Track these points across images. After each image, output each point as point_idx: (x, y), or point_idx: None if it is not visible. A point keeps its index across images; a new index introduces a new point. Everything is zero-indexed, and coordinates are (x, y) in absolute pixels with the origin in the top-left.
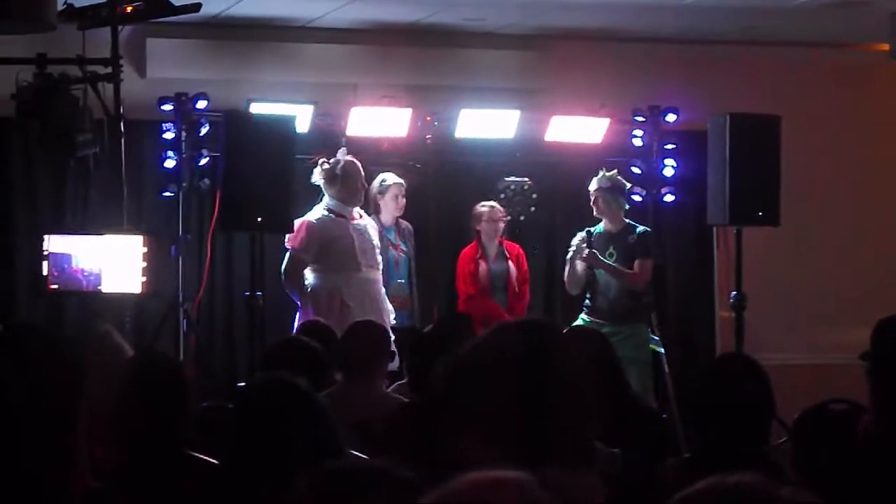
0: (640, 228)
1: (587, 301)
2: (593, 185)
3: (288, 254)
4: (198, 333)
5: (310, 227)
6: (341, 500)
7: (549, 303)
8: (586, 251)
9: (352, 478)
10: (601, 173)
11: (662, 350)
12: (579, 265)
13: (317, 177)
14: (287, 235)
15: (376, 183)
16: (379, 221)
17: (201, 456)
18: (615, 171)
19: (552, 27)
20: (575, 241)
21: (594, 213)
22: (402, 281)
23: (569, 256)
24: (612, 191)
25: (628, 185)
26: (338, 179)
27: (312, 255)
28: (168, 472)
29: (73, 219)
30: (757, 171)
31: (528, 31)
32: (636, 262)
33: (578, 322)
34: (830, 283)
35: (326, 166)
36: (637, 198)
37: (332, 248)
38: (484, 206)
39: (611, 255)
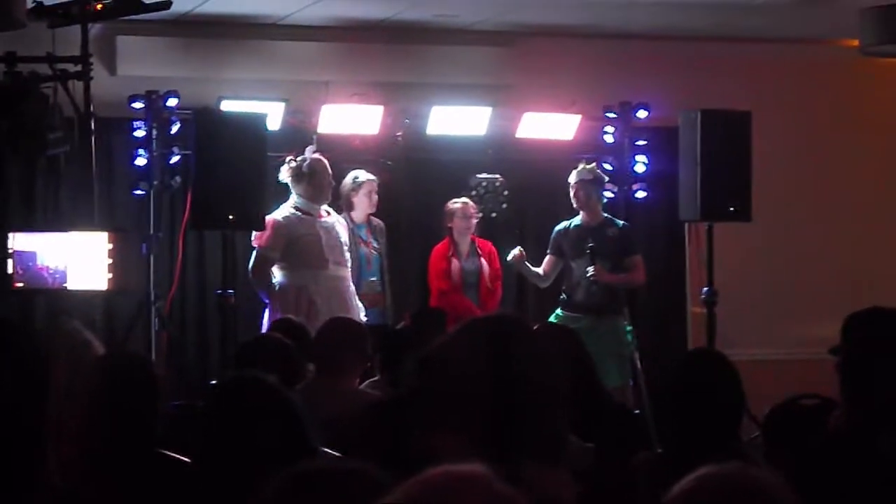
0: (621, 223)
1: (563, 296)
2: (573, 178)
3: (255, 252)
4: (170, 331)
5: (276, 224)
6: (311, 501)
7: (521, 298)
8: (592, 270)
9: (322, 478)
10: (581, 166)
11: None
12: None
13: (284, 174)
14: (254, 234)
15: (349, 179)
16: (350, 219)
17: (172, 454)
18: (594, 164)
19: (523, 24)
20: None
21: (574, 205)
22: (375, 279)
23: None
24: (593, 183)
25: (606, 179)
26: (305, 177)
27: (279, 253)
28: (138, 470)
29: (44, 217)
30: (728, 166)
31: (500, 27)
32: (629, 259)
33: (554, 317)
34: (801, 279)
35: (294, 164)
36: (609, 194)
37: (299, 245)
38: (456, 203)
39: (591, 247)
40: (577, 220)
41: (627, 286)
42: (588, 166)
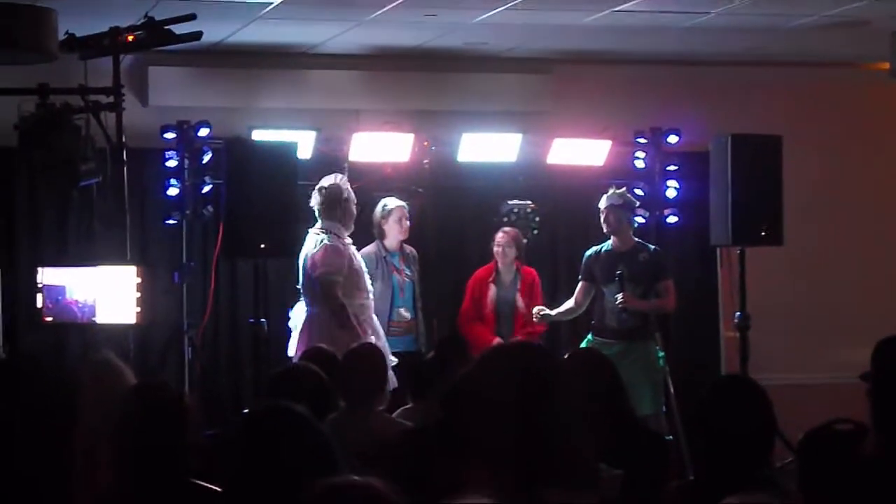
0: (652, 247)
1: (594, 321)
2: (603, 203)
3: (321, 280)
4: (202, 360)
5: (337, 249)
6: None
7: (554, 325)
8: (620, 297)
9: (341, 494)
10: (611, 190)
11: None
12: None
13: (315, 201)
14: (305, 265)
15: (378, 207)
16: (383, 247)
17: (204, 484)
18: (624, 188)
19: (554, 50)
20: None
21: (605, 230)
22: (408, 306)
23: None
24: (622, 208)
25: (637, 203)
26: (339, 203)
27: (343, 278)
28: (170, 500)
29: (76, 249)
30: (759, 191)
31: (530, 54)
32: (660, 284)
33: (585, 343)
34: (833, 303)
35: (325, 190)
36: (640, 219)
37: (352, 271)
38: (501, 232)
39: (619, 274)
40: (607, 246)
41: (657, 312)
42: (619, 191)
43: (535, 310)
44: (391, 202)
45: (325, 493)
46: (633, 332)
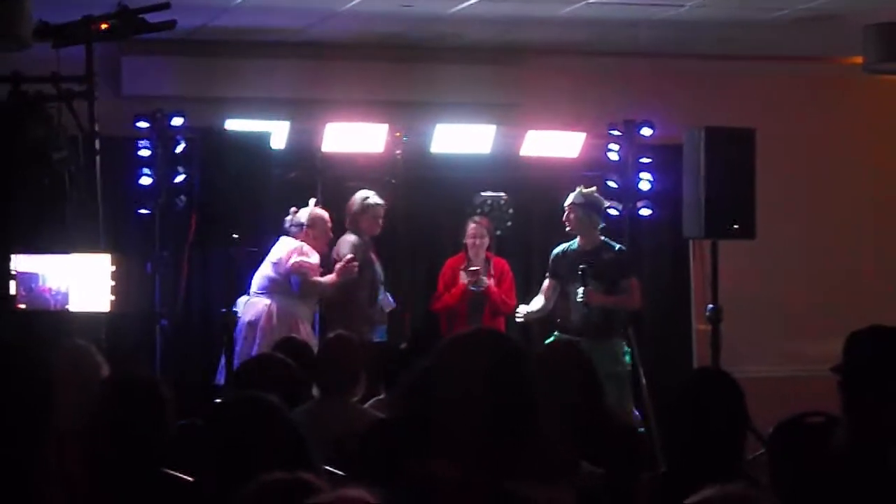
0: (618, 246)
1: (559, 319)
2: (568, 200)
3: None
4: (175, 349)
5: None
6: None
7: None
8: (582, 290)
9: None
10: (578, 189)
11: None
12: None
13: (287, 224)
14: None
15: (358, 198)
16: (361, 236)
17: (176, 474)
18: (594, 188)
19: (527, 42)
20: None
21: (566, 228)
22: (385, 295)
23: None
24: (585, 207)
25: (606, 203)
26: (304, 227)
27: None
28: (143, 489)
29: (49, 237)
30: (732, 184)
31: (504, 45)
32: (624, 282)
33: (552, 339)
34: (806, 295)
35: (296, 215)
36: (613, 212)
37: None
38: (472, 222)
39: (582, 269)
40: (574, 244)
41: (621, 309)
42: (584, 190)
43: (520, 309)
44: (372, 198)
45: (262, 489)
46: (597, 330)
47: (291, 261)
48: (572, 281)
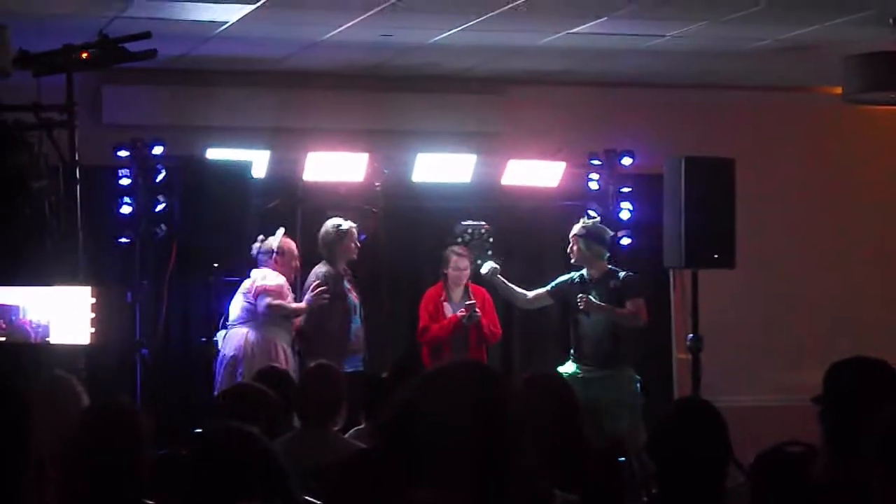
0: (623, 273)
1: (573, 350)
2: (572, 232)
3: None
4: (155, 379)
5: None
6: None
7: (506, 348)
8: (581, 298)
9: None
10: (581, 221)
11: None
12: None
13: (255, 252)
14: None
15: (331, 229)
16: (334, 267)
17: None
18: (597, 218)
19: (509, 71)
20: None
21: (571, 259)
22: (359, 325)
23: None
24: (587, 238)
25: (610, 233)
26: (277, 256)
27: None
28: None
29: (29, 268)
30: (712, 213)
31: (485, 74)
32: (628, 303)
33: (566, 369)
34: (785, 326)
35: (264, 244)
36: (626, 241)
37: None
38: (452, 254)
39: (581, 276)
40: (582, 273)
41: (621, 321)
42: (587, 222)
43: (491, 263)
44: (345, 224)
45: None
46: (610, 359)
47: (255, 285)
48: (579, 311)
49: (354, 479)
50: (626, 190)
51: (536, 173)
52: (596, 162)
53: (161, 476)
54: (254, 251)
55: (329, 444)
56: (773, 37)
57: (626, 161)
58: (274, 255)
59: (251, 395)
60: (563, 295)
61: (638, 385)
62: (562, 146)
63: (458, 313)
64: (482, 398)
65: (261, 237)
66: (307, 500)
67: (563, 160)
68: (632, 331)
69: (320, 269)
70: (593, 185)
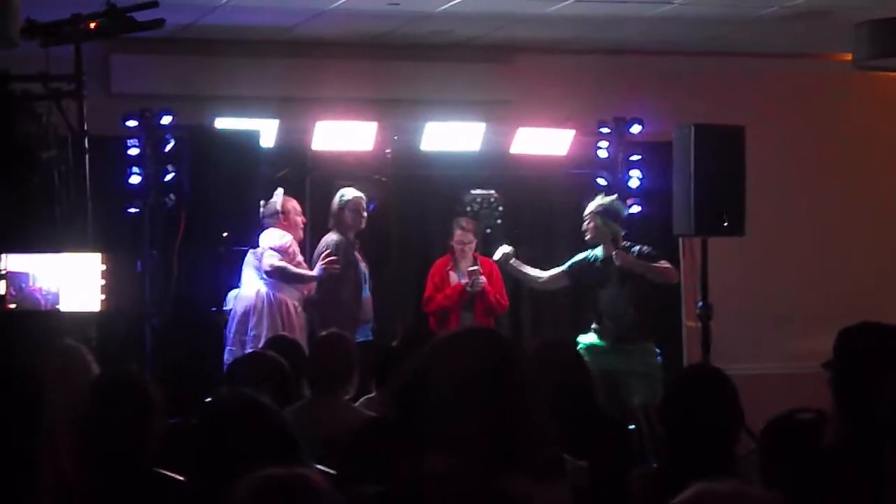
0: (637, 247)
1: (594, 325)
2: (587, 210)
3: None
4: (164, 348)
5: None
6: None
7: (515, 318)
8: (616, 253)
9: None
10: (597, 198)
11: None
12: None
13: (262, 216)
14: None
15: (336, 198)
16: (344, 235)
17: (168, 473)
18: (614, 195)
19: (518, 39)
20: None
21: (586, 237)
22: (368, 294)
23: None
24: (604, 215)
25: (623, 211)
26: (277, 216)
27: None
28: (134, 489)
29: (38, 238)
30: (722, 181)
31: (494, 43)
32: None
33: (587, 341)
34: (795, 292)
35: (268, 206)
36: (636, 208)
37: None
38: (457, 227)
39: (611, 277)
40: (598, 252)
41: (657, 277)
42: (603, 199)
43: (505, 247)
44: (349, 192)
45: (260, 484)
46: (631, 332)
47: (263, 247)
48: (602, 286)
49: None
50: (635, 158)
51: (545, 142)
52: (605, 130)
53: (171, 445)
54: (260, 216)
55: (340, 413)
56: (782, 3)
57: (636, 129)
58: (278, 215)
59: (262, 364)
60: (582, 274)
61: (659, 358)
62: (570, 114)
63: (462, 281)
64: (492, 363)
65: (262, 202)
66: (318, 468)
67: (572, 128)
68: (654, 300)
69: (331, 237)
70: (602, 154)
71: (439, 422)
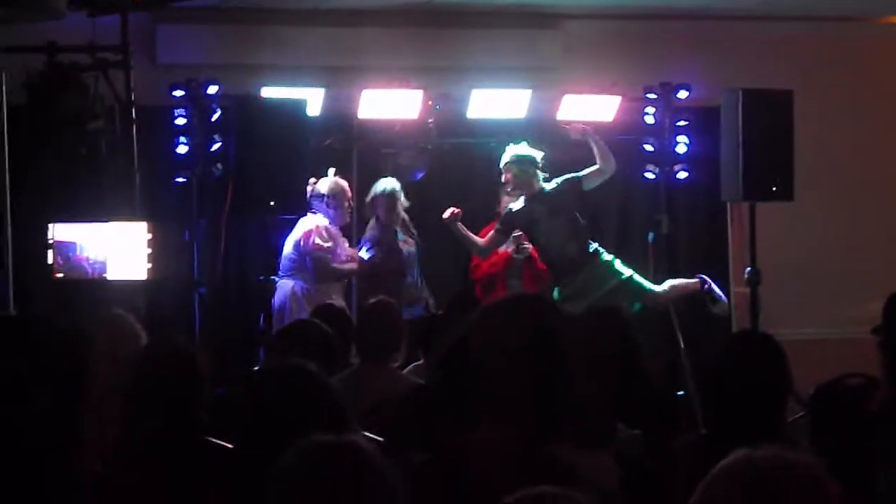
0: (549, 186)
1: (551, 271)
2: (501, 162)
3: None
4: (213, 318)
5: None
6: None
7: None
8: (574, 126)
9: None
10: (507, 149)
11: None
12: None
13: (308, 196)
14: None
15: (376, 188)
16: (381, 225)
17: (216, 441)
18: (522, 143)
19: (563, 5)
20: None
21: (507, 188)
22: (413, 277)
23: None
24: (518, 163)
25: (539, 154)
26: (324, 200)
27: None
28: (182, 457)
29: (86, 206)
30: (770, 146)
31: (539, 9)
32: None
33: (557, 294)
34: (844, 258)
35: (315, 188)
36: (650, 175)
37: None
38: (504, 193)
39: (543, 214)
40: (520, 202)
41: (606, 158)
42: (514, 146)
43: (450, 209)
44: (381, 185)
45: (308, 451)
46: (577, 262)
47: (309, 242)
48: (538, 227)
49: (412, 414)
50: (682, 123)
51: (592, 108)
52: (651, 95)
53: (219, 414)
54: (308, 194)
55: (388, 380)
56: None
57: (682, 94)
58: (325, 198)
59: (309, 332)
60: (513, 224)
61: (615, 263)
62: (616, 80)
63: (508, 248)
64: (537, 329)
65: (312, 179)
66: (366, 435)
67: (618, 94)
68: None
69: (373, 232)
70: (649, 119)
71: (484, 389)
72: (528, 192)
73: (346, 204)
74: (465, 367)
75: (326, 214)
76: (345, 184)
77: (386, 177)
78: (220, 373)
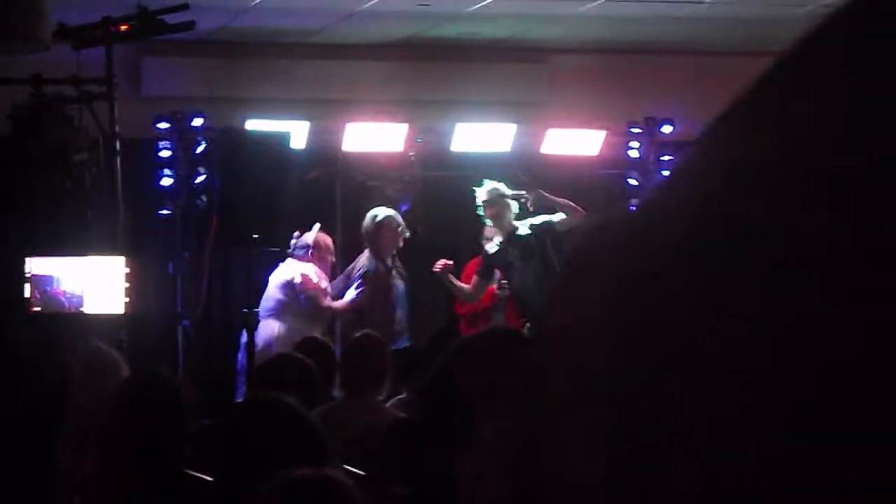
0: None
1: (521, 310)
2: (481, 200)
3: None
4: (196, 350)
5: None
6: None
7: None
8: (531, 195)
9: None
10: (483, 188)
11: None
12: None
13: (292, 248)
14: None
15: (368, 219)
16: (378, 258)
17: (196, 474)
18: (495, 182)
19: (548, 40)
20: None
21: (489, 224)
22: (403, 310)
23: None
24: (498, 200)
25: (510, 193)
26: (309, 251)
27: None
28: (163, 489)
29: (70, 240)
30: None
31: (524, 44)
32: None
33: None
34: None
35: (301, 239)
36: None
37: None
38: (488, 228)
39: (516, 258)
40: (495, 241)
41: (566, 208)
42: (489, 186)
43: (441, 261)
44: (381, 212)
45: (285, 485)
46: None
47: (305, 281)
48: (513, 266)
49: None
50: (666, 158)
51: (576, 142)
52: (636, 130)
53: (202, 447)
54: (291, 246)
55: (371, 414)
56: (817, 2)
57: (667, 129)
58: (310, 250)
59: (291, 365)
60: (491, 264)
61: None
62: (601, 115)
63: (493, 285)
64: (515, 364)
65: (296, 233)
66: (347, 469)
67: (602, 129)
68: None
69: (363, 261)
70: (633, 154)
71: (465, 421)
72: (502, 230)
73: (329, 257)
74: (444, 399)
75: (309, 264)
76: (329, 240)
77: (373, 207)
78: (203, 405)
